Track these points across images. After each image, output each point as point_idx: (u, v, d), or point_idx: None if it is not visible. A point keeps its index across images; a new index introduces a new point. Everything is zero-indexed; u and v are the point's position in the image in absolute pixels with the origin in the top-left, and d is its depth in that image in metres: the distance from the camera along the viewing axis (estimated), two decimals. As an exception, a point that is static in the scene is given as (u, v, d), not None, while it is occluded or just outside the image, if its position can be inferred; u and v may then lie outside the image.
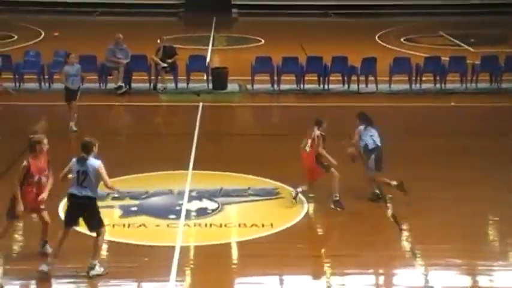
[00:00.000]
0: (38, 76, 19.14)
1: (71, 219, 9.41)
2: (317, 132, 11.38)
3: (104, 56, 19.22)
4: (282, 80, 19.64)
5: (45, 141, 9.59)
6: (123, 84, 18.92)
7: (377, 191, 11.84)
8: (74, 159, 9.27)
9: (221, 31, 29.89)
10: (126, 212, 11.17)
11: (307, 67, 19.69)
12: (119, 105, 18.34)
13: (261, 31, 28.47)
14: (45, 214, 9.75)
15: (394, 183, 11.63)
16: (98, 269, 9.28)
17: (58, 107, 16.47)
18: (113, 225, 10.75)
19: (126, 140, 16.21)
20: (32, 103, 17.68)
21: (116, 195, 11.66)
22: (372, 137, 11.61)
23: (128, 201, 11.57)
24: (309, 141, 11.38)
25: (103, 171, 9.20)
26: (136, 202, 11.56)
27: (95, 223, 9.35)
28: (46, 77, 19.18)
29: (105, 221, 10.71)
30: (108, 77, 19.27)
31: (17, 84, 18.93)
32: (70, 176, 9.28)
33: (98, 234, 9.36)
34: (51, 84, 19.15)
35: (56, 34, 26.08)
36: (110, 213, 11.16)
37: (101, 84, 19.27)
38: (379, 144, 11.63)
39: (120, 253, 10.02)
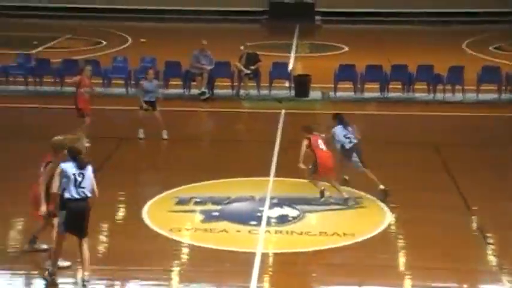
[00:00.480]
0: (125, 81, 19.58)
1: (72, 225, 8.99)
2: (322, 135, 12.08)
3: (188, 62, 19.50)
4: (365, 88, 19.46)
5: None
6: (206, 90, 19.14)
7: (345, 177, 12.37)
8: (65, 164, 8.90)
9: (304, 38, 29.85)
10: (208, 217, 11.25)
11: (391, 75, 19.44)
12: (202, 111, 18.54)
13: (345, 38, 28.27)
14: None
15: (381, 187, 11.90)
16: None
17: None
18: (195, 230, 10.85)
19: (209, 145, 16.37)
20: (118, 107, 18.13)
21: (198, 200, 11.80)
22: (345, 136, 12.12)
23: (209, 206, 11.66)
24: (322, 141, 11.93)
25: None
26: (218, 207, 11.63)
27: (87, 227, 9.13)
28: (133, 82, 19.59)
29: (187, 225, 10.96)
30: (192, 83, 19.54)
31: (104, 89, 19.42)
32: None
33: (85, 242, 9.08)
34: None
35: (143, 40, 26.66)
36: (191, 218, 11.30)
37: (185, 90, 19.55)
38: (355, 141, 12.14)
39: (201, 257, 10.10)
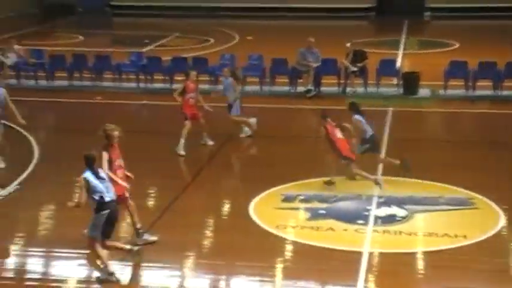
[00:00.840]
0: (260, 79, 19.67)
1: (111, 228, 9.25)
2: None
3: (294, 59, 19.49)
4: (477, 86, 18.82)
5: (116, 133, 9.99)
6: (312, 88, 19.06)
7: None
8: (90, 173, 9.07)
9: (413, 35, 29.22)
10: (315, 215, 11.18)
11: (506, 72, 18.71)
12: (307, 109, 18.47)
13: (456, 35, 27.47)
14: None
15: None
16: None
17: (254, 109, 17.00)
18: (301, 227, 10.81)
19: (314, 143, 16.20)
20: (225, 104, 18.32)
21: (305, 198, 11.76)
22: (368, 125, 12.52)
23: (316, 204, 11.59)
24: (338, 129, 12.25)
25: None
26: (325, 205, 11.54)
27: None
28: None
29: (294, 223, 10.94)
30: (299, 80, 19.52)
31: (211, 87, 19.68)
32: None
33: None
34: (243, 87, 19.65)
35: (250, 38, 26.85)
36: (297, 215, 11.27)
37: (291, 87, 19.55)
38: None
39: (308, 255, 10.04)
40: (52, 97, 18.74)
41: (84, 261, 9.70)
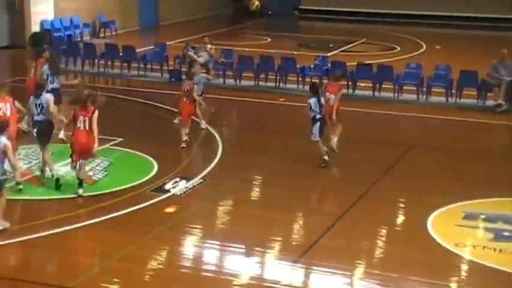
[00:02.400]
0: (417, 88, 19.28)
1: None
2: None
3: (485, 71, 18.64)
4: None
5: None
6: (503, 102, 18.11)
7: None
8: None
9: None
10: (499, 236, 10.55)
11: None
12: (496, 124, 17.55)
13: None
14: None
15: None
16: None
17: (433, 119, 16.47)
18: (483, 247, 10.25)
19: (499, 159, 15.37)
20: (409, 113, 17.97)
21: (488, 217, 11.15)
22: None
23: (500, 225, 10.95)
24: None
25: None
26: (510, 227, 10.89)
27: None
28: (424, 89, 19.23)
29: (474, 242, 10.41)
30: (488, 94, 18.64)
31: (396, 95, 19.33)
32: None
33: None
34: (428, 97, 19.16)
35: (438, 47, 26.07)
36: (478, 234, 10.76)
37: (479, 100, 18.71)
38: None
39: (487, 277, 9.51)
40: (238, 96, 19.29)
41: (257, 259, 9.87)
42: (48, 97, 12.33)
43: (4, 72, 18.77)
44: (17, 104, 12.42)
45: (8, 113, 12.02)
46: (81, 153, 11.64)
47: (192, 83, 14.91)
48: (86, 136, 11.53)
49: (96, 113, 11.58)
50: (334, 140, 13.80)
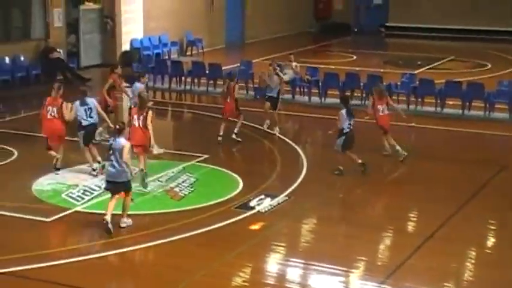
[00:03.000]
0: (509, 106, 18.69)
1: None
2: None
3: None
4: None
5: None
6: None
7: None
8: None
9: None
10: None
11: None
12: None
13: None
14: None
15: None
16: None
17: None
18: None
19: None
20: (500, 133, 17.43)
21: None
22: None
23: None
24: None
25: None
26: None
27: None
28: (516, 108, 18.65)
29: None
30: None
31: (487, 113, 18.78)
32: None
33: None
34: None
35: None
36: None
37: None
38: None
39: None
40: (323, 114, 19.18)
41: (341, 278, 9.72)
42: (94, 100, 13.82)
43: (96, 88, 19.36)
44: (64, 106, 13.46)
45: (56, 115, 13.39)
46: (138, 148, 12.72)
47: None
48: (142, 133, 12.69)
49: (150, 112, 12.81)
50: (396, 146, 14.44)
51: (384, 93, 15.06)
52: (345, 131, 13.61)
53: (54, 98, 13.51)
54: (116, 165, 10.89)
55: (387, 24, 37.08)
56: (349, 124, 13.61)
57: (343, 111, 13.65)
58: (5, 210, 11.73)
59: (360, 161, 13.78)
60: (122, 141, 11.01)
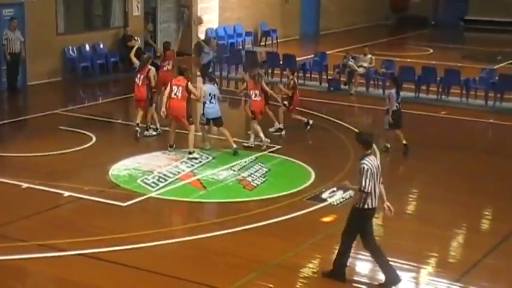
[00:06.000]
0: None
1: None
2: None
3: None
4: None
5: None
6: None
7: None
8: None
9: None
10: None
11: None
12: None
13: None
14: None
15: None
16: None
17: None
18: None
19: None
20: None
21: None
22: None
23: None
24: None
25: None
26: None
27: None
28: None
29: None
30: None
31: None
32: None
33: None
34: None
35: None
36: None
37: None
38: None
39: None
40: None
41: (413, 274, 9.59)
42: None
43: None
44: (190, 86, 13.98)
45: (180, 96, 13.86)
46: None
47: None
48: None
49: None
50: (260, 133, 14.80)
51: (260, 79, 15.03)
52: (394, 109, 14.23)
53: (178, 79, 14.08)
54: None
55: (467, 17, 36.22)
56: (398, 103, 14.26)
57: (393, 91, 14.30)
58: (82, 193, 12.04)
59: (404, 141, 14.37)
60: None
